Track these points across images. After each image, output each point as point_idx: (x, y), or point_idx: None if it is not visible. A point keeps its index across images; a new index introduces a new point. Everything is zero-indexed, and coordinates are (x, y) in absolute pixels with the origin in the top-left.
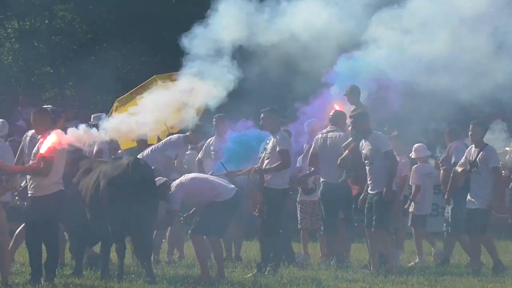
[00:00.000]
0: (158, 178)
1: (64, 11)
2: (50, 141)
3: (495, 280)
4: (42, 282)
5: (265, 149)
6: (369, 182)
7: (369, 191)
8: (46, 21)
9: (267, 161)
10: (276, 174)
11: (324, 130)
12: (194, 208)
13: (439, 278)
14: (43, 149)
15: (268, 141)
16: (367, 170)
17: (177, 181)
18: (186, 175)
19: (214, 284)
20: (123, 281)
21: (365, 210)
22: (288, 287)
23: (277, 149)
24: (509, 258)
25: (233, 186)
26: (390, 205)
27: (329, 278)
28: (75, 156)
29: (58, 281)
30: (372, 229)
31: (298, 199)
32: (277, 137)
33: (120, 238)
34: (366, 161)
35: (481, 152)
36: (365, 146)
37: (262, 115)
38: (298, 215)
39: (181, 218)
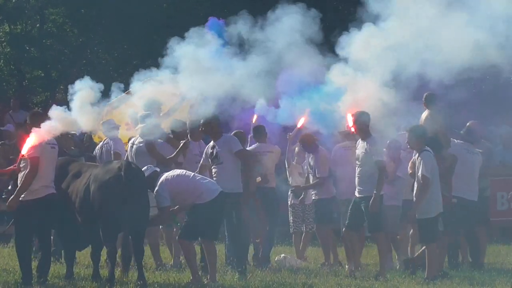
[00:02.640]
0: (148, 166)
1: (55, 15)
2: (30, 141)
3: (487, 283)
4: (32, 285)
5: (210, 154)
6: (356, 184)
7: (356, 194)
8: (38, 25)
9: (218, 165)
10: (235, 178)
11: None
12: (177, 206)
13: (430, 282)
14: (24, 150)
15: (211, 146)
16: (356, 172)
17: (163, 177)
18: (173, 170)
19: None
20: (114, 285)
21: (349, 212)
22: None
23: (234, 151)
24: (501, 261)
25: (217, 187)
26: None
27: (319, 283)
28: (64, 160)
29: (50, 284)
30: (370, 235)
31: (289, 203)
32: (223, 141)
33: (111, 242)
34: (357, 162)
35: (418, 158)
36: (359, 147)
37: (201, 122)
38: (290, 219)
39: None
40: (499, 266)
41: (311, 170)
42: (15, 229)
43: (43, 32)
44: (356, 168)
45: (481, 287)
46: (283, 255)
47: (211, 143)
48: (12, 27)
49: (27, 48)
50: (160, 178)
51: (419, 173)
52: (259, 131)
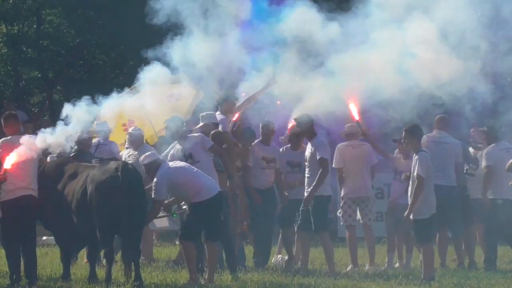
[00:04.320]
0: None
1: (52, 15)
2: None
3: (484, 283)
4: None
5: (182, 156)
6: (305, 185)
7: (305, 195)
8: (34, 26)
9: (194, 165)
10: (214, 174)
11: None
12: (173, 198)
13: (427, 283)
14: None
15: (180, 149)
16: (306, 173)
17: (165, 167)
18: (176, 162)
19: None
20: (111, 286)
21: (299, 212)
22: None
23: (208, 148)
24: (498, 262)
25: (216, 186)
26: (325, 208)
27: (316, 283)
28: (60, 161)
29: (47, 284)
30: (312, 234)
31: None
32: (193, 140)
33: (108, 242)
34: (306, 163)
35: (415, 158)
36: (307, 148)
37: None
38: None
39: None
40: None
41: (289, 168)
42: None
43: (39, 33)
44: (306, 168)
45: (478, 285)
46: (280, 255)
47: (178, 146)
48: (9, 27)
49: (24, 49)
50: (161, 168)
51: (415, 173)
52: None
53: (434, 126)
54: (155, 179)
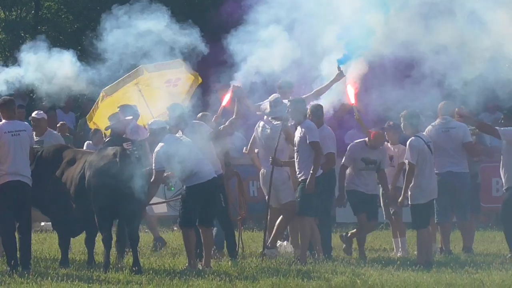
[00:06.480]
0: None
1: (50, 1)
2: None
3: (482, 268)
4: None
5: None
6: (296, 170)
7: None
8: (32, 12)
9: None
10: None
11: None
12: (170, 172)
13: (425, 268)
14: None
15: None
16: (295, 157)
17: (171, 137)
18: (182, 136)
19: (200, 274)
20: (109, 271)
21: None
22: (274, 277)
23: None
24: (496, 248)
25: (212, 172)
26: (313, 192)
27: (314, 269)
28: (57, 147)
29: (45, 271)
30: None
31: None
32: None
33: (106, 228)
34: (295, 148)
35: (407, 144)
36: (297, 133)
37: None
38: None
39: None
40: (493, 252)
41: (364, 165)
42: None
43: (38, 19)
44: (295, 153)
45: (476, 272)
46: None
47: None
48: (7, 13)
49: (22, 34)
50: (167, 136)
51: (405, 159)
52: None
53: (438, 114)
54: (157, 147)
